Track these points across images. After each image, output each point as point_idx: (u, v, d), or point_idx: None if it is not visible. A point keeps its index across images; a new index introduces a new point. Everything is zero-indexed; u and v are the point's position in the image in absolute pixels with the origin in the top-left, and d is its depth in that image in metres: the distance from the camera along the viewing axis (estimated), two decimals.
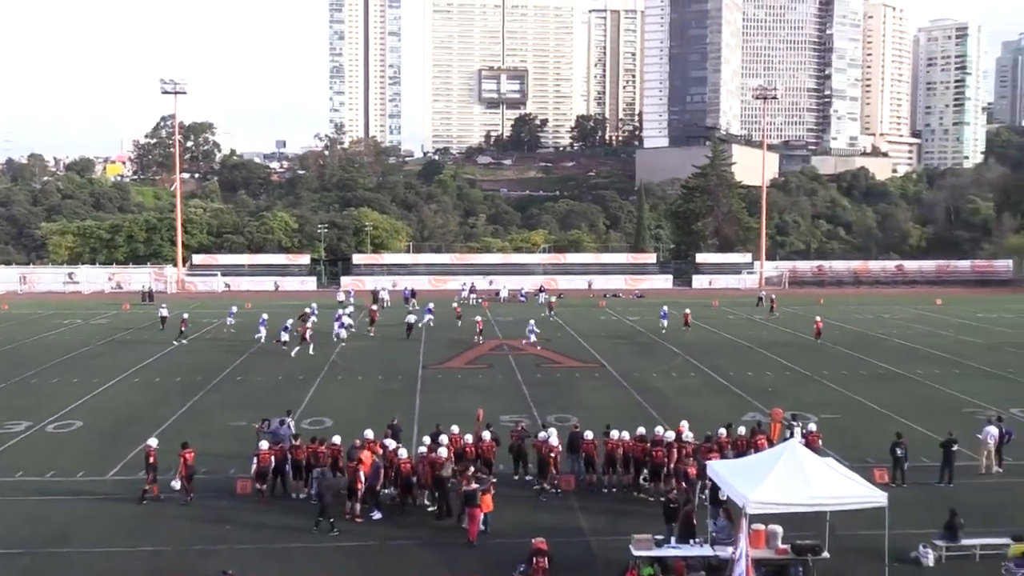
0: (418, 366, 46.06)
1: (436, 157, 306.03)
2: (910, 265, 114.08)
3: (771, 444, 24.56)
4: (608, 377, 43.27)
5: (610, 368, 45.66)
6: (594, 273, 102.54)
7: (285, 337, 49.74)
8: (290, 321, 54.98)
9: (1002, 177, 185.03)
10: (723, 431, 25.87)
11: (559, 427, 28.46)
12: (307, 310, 57.99)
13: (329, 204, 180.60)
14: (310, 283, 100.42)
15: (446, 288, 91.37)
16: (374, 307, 63.80)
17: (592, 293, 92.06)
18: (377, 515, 22.71)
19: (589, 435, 25.61)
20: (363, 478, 23.12)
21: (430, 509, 23.48)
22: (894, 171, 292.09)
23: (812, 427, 26.84)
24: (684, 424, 26.50)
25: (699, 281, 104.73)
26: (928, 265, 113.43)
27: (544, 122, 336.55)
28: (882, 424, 32.66)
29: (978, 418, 32.38)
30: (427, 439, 25.36)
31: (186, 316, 58.33)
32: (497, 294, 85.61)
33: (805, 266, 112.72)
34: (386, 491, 23.82)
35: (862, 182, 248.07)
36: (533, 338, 53.95)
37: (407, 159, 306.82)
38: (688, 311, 62.88)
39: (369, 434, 25.60)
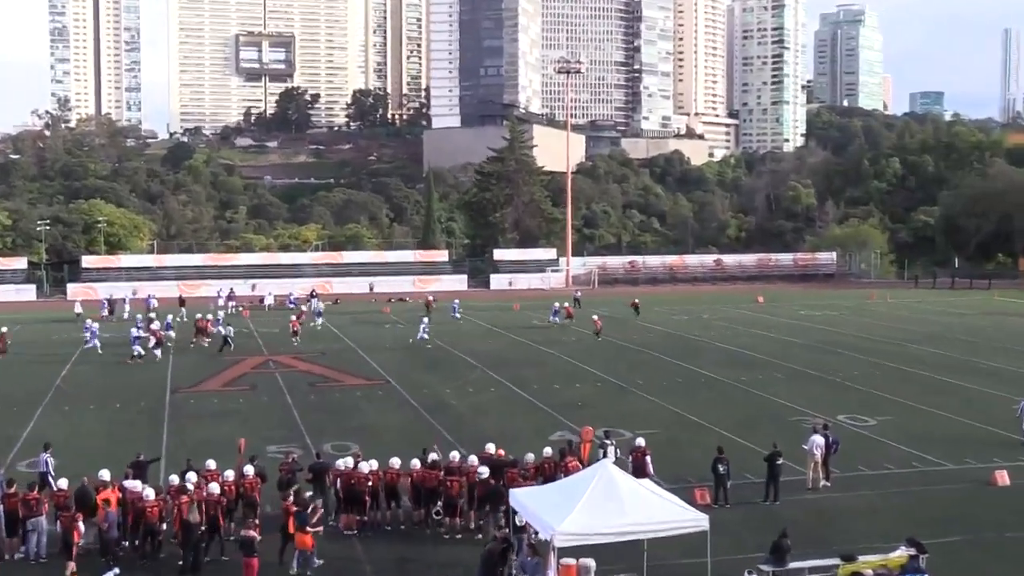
0: (165, 390, 44.70)
1: (185, 139, 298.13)
2: (729, 259, 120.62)
3: (583, 467, 24.80)
4: (394, 395, 43.41)
5: (396, 384, 45.88)
6: (376, 274, 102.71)
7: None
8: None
9: (823, 162, 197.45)
10: (529, 456, 25.95)
11: (337, 456, 27.95)
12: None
13: (52, 196, 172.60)
14: (28, 292, 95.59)
15: (199, 295, 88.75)
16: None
17: (374, 298, 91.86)
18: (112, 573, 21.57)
19: (367, 467, 25.23)
20: (82, 530, 22.06)
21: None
22: (711, 155, 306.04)
23: (640, 442, 27.35)
24: (490, 447, 26.73)
25: (498, 281, 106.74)
26: (748, 259, 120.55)
27: (315, 98, 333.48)
28: (703, 438, 33.82)
29: (805, 427, 33.82)
30: (174, 478, 24.38)
31: None
32: (261, 301, 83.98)
33: (616, 262, 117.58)
34: (125, 543, 22.76)
35: (676, 167, 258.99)
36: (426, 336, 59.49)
37: (149, 141, 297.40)
38: (596, 317, 64.56)
39: (105, 475, 24.35)
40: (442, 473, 25.04)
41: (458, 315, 68.14)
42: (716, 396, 42.94)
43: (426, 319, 62.62)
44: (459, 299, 78.20)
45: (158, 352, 54.10)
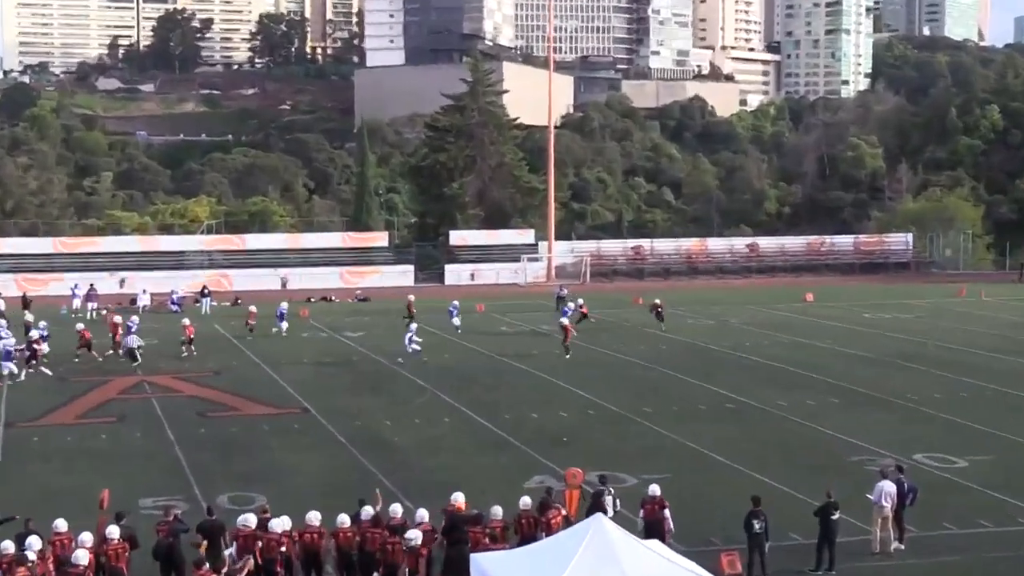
0: None
1: (27, 79, 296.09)
2: (768, 244, 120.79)
3: (568, 522, 25.06)
4: (314, 428, 43.56)
5: (317, 413, 46.05)
6: (291, 265, 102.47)
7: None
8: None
9: (895, 111, 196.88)
10: (497, 509, 25.94)
11: (240, 512, 27.74)
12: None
13: None
14: None
15: (48, 294, 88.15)
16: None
17: (289, 297, 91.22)
18: None
19: (279, 526, 25.10)
20: None
21: None
22: (743, 103, 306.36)
23: (654, 490, 27.54)
24: (458, 497, 26.85)
25: (455, 274, 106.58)
26: (794, 243, 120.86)
27: (207, 24, 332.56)
28: (732, 485, 33.72)
29: (870, 470, 33.76)
30: (8, 544, 23.97)
31: None
32: (133, 302, 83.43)
33: (615, 248, 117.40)
34: None
35: (696, 120, 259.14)
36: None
37: None
38: (566, 320, 64.53)
39: None
40: (384, 532, 25.01)
41: (457, 321, 68.45)
42: (749, 428, 43.00)
43: (414, 326, 62.82)
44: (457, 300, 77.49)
45: (24, 373, 54.77)
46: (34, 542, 23.88)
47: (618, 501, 28.08)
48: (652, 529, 25.79)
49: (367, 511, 25.89)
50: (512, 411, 46.13)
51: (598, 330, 69.47)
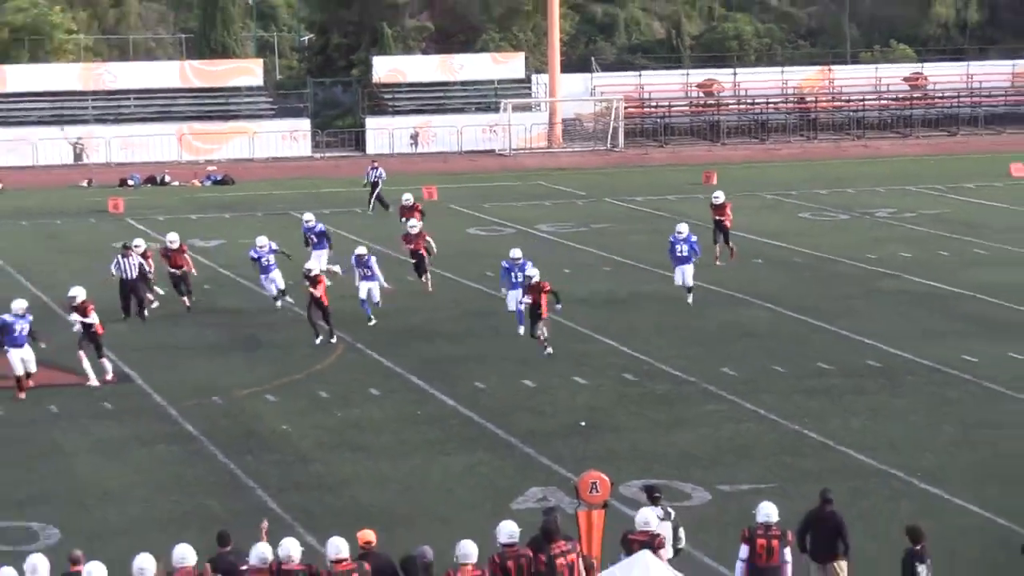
0: None
1: None
2: (941, 74, 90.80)
3: (587, 565, 20.12)
4: (141, 410, 31.87)
5: (145, 385, 33.64)
6: (90, 121, 79.27)
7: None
8: None
9: None
10: (466, 547, 19.66)
11: None
12: None
13: None
14: None
15: None
16: None
17: (89, 179, 71.25)
18: None
19: None
20: None
21: None
22: None
23: (768, 513, 20.69)
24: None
25: (382, 135, 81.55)
26: (988, 73, 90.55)
27: None
28: (884, 500, 25.39)
29: None
30: None
31: None
32: None
33: (668, 83, 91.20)
34: None
35: None
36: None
37: None
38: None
39: None
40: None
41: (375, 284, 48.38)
42: (915, 405, 31.09)
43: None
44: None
45: None
46: None
47: (682, 530, 21.58)
48: None
49: (259, 553, 19.75)
50: (491, 378, 33.40)
51: (639, 233, 53.14)
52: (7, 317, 32.59)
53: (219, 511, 24.89)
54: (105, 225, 57.41)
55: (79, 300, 33.03)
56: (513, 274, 36.61)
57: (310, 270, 36.65)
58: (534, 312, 33.59)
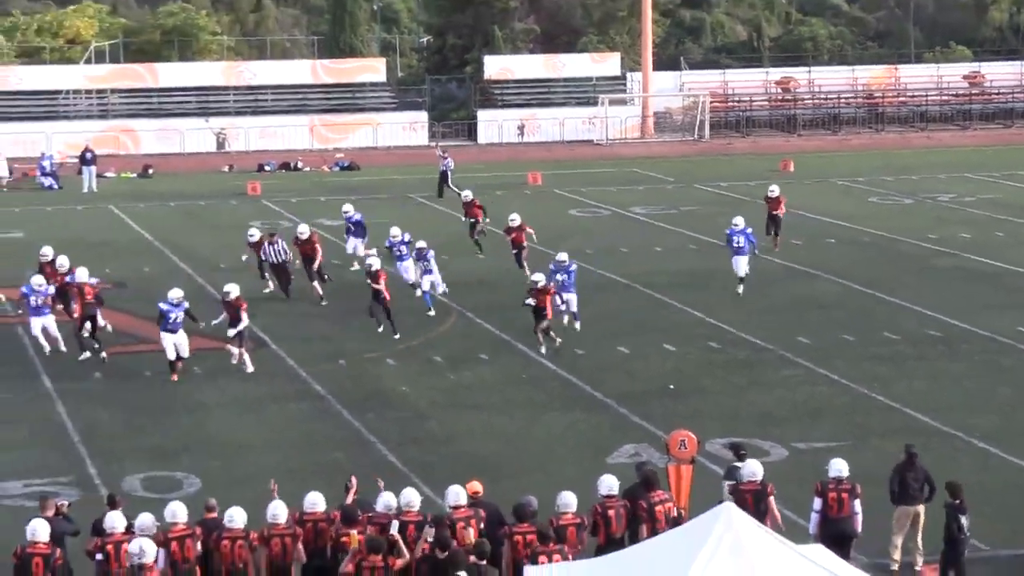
0: None
1: None
2: (997, 72, 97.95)
3: (677, 515, 20.86)
4: (274, 371, 33.96)
5: (279, 349, 35.81)
6: (228, 113, 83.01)
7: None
8: None
9: None
10: (567, 497, 20.54)
11: None
12: None
13: None
14: None
15: None
16: None
17: (229, 163, 75.65)
18: None
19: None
20: None
21: None
22: None
23: (839, 468, 21.92)
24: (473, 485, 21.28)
25: (493, 127, 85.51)
26: None
27: None
28: (946, 453, 26.38)
29: None
30: None
31: None
32: None
33: (749, 81, 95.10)
34: None
35: None
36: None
37: None
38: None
39: None
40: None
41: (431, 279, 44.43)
42: (972, 370, 33.07)
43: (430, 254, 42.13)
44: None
45: None
46: None
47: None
48: (835, 530, 20.80)
49: (385, 501, 20.68)
50: (589, 344, 35.58)
51: (723, 216, 52.26)
52: (163, 305, 33.40)
53: (344, 463, 26.29)
54: (244, 207, 60.62)
55: (232, 296, 33.17)
56: (558, 275, 36.96)
57: (371, 266, 36.80)
58: (539, 313, 34.87)
